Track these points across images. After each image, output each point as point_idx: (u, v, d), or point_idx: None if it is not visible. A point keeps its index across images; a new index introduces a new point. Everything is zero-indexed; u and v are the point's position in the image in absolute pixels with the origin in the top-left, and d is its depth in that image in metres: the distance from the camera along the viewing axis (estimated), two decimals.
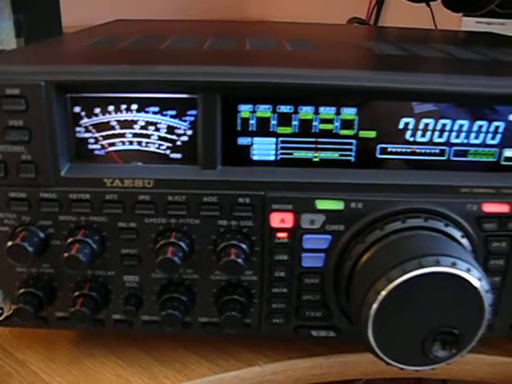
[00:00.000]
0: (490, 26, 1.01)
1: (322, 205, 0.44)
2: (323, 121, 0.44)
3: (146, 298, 0.47)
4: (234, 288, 0.47)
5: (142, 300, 0.47)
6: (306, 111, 0.44)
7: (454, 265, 0.40)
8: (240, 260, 0.43)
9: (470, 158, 0.46)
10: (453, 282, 0.40)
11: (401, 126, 0.45)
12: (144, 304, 0.47)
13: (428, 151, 0.46)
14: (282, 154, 0.45)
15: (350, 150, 0.45)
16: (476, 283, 0.40)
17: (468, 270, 0.40)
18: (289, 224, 0.45)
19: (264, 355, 0.51)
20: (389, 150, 0.45)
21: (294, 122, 0.44)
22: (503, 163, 0.47)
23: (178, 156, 0.45)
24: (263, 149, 0.45)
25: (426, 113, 0.45)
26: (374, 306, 0.40)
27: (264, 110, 0.44)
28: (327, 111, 0.44)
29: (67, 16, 1.13)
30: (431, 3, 0.95)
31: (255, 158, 0.45)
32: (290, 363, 0.51)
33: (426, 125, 0.45)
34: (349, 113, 0.44)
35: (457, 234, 0.45)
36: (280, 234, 0.45)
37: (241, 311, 0.46)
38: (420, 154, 0.46)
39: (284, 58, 0.51)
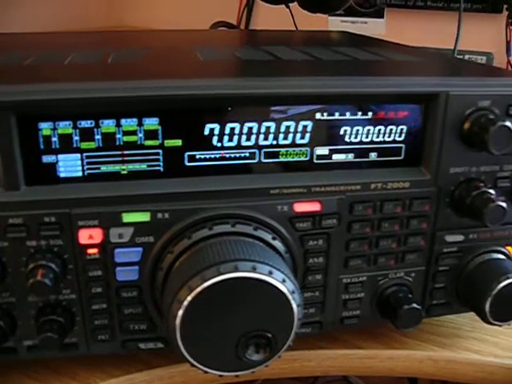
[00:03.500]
0: (354, 25, 1.03)
1: (128, 218, 0.44)
2: (126, 133, 0.44)
3: None
4: (52, 308, 0.46)
5: None
6: (108, 124, 0.43)
7: (254, 269, 0.40)
8: (47, 280, 0.42)
9: (281, 159, 0.47)
10: (255, 286, 0.40)
11: (206, 132, 0.45)
12: None
13: (237, 155, 0.46)
14: (88, 169, 0.44)
15: (158, 160, 0.45)
16: (279, 285, 0.41)
17: (270, 273, 0.40)
18: (97, 239, 0.44)
19: (102, 372, 0.50)
20: (197, 157, 0.45)
21: (97, 137, 0.44)
22: (316, 162, 0.47)
23: None
24: (69, 165, 0.44)
25: (231, 117, 0.45)
26: (179, 314, 0.40)
27: (65, 127, 0.43)
28: (129, 123, 0.44)
29: None
30: (292, 4, 0.96)
31: (62, 175, 0.44)
32: (129, 378, 0.50)
33: (232, 129, 0.45)
34: (151, 123, 0.44)
35: (267, 236, 0.45)
36: (90, 251, 0.44)
37: (58, 331, 0.45)
38: (229, 158, 0.46)
39: (93, 71, 0.51)
